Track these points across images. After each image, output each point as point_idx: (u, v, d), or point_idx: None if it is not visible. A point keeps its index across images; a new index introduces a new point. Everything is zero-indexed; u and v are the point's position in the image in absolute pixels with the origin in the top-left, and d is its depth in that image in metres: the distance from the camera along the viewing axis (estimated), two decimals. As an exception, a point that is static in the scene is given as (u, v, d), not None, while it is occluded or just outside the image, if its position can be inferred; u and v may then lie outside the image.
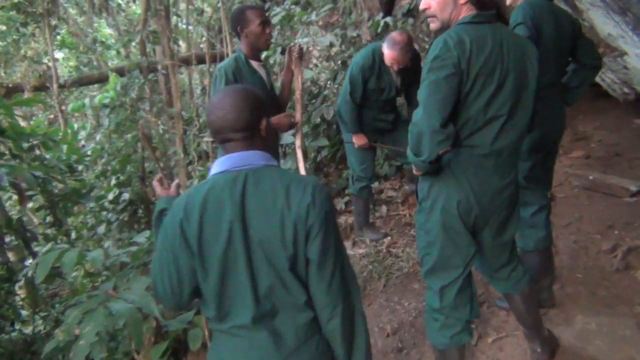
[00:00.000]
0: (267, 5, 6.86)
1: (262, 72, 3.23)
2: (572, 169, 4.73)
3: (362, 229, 4.21)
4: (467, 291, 2.26)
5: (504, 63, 2.00)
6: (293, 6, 5.28)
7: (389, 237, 4.18)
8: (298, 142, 3.27)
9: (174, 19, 9.96)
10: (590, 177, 4.44)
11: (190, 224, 1.43)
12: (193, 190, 1.48)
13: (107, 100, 6.38)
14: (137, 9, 12.52)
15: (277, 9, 5.33)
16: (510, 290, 2.43)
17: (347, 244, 4.18)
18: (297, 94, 3.27)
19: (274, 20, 5.48)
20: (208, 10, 9.57)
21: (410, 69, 3.90)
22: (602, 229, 3.67)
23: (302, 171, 3.23)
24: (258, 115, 1.50)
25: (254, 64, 3.18)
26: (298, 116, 3.27)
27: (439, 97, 1.96)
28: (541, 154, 2.83)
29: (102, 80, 9.92)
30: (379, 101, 4.02)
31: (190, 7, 8.81)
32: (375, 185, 4.87)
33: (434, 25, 2.14)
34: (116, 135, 6.53)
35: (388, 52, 3.72)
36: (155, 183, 1.96)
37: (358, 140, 4.07)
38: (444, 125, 1.97)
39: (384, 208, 4.69)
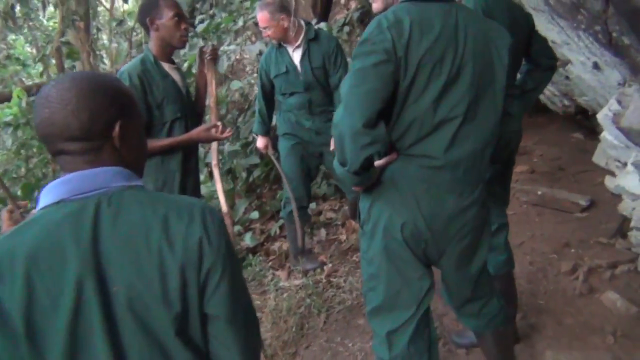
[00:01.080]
0: (197, 21, 6.36)
1: (175, 75, 2.73)
2: (519, 184, 4.49)
3: (298, 257, 3.73)
4: (423, 337, 1.81)
5: (458, 51, 1.61)
6: (220, 13, 4.81)
7: (328, 265, 3.72)
8: (214, 160, 2.78)
9: (94, 32, 9.25)
10: (539, 193, 4.21)
11: (8, 293, 0.89)
12: (6, 239, 0.94)
13: (8, 118, 5.62)
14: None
15: (201, 16, 4.85)
16: (481, 329, 2.01)
17: (282, 274, 3.69)
18: (211, 102, 2.80)
19: (198, 30, 4.99)
20: (132, 22, 8.90)
21: (322, 49, 3.42)
22: (558, 248, 3.39)
23: (220, 193, 2.75)
24: (108, 116, 1.00)
25: (166, 66, 2.68)
26: (214, 121, 2.79)
27: (363, 89, 1.55)
28: (498, 167, 2.47)
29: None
30: (294, 98, 3.51)
31: (109, 17, 8.18)
32: (313, 206, 4.42)
33: (376, 5, 1.74)
34: (20, 156, 5.75)
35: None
36: (3, 215, 1.39)
37: (258, 142, 3.78)
38: (370, 125, 1.55)
39: (322, 232, 4.24)
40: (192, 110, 2.86)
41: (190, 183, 2.78)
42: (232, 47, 4.39)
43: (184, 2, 6.47)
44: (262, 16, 3.26)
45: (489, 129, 1.73)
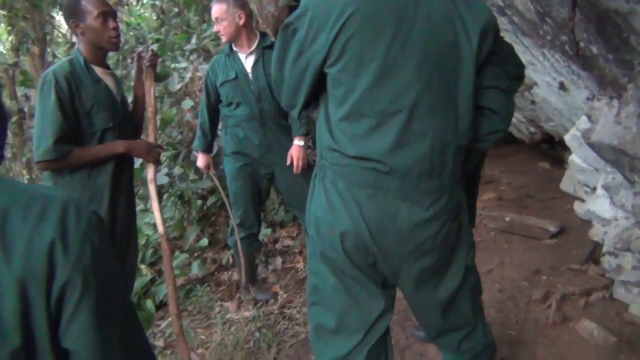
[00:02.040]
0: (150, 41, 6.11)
1: (109, 81, 2.47)
2: (486, 211, 4.30)
3: (248, 288, 3.41)
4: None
5: (403, 27, 1.33)
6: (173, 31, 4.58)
7: (282, 296, 3.40)
8: (150, 175, 2.49)
9: (50, 58, 8.93)
10: (507, 219, 4.02)
11: None
12: None
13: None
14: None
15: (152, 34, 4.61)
16: None
17: (231, 306, 3.36)
18: (149, 112, 2.53)
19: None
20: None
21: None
22: (528, 275, 3.16)
23: (157, 212, 2.44)
24: None
25: (98, 70, 2.42)
26: (151, 139, 2.52)
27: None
28: (462, 181, 2.25)
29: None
30: (242, 108, 3.15)
31: (65, 42, 7.88)
32: (269, 232, 4.12)
33: None
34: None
35: None
36: None
37: (198, 160, 3.42)
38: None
39: (278, 260, 3.93)
40: (128, 120, 2.59)
41: (121, 201, 2.47)
42: (183, 64, 4.14)
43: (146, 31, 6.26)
44: (218, 7, 2.99)
45: (451, 127, 1.44)
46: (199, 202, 4.62)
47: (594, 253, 3.19)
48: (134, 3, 7.85)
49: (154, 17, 7.22)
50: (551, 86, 3.68)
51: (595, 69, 2.56)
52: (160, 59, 4.42)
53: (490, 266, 3.34)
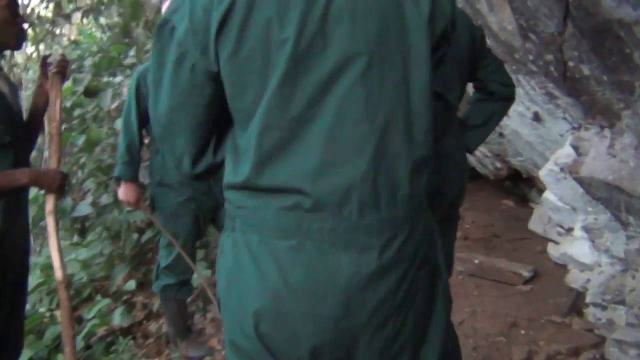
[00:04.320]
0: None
1: (4, 87, 1.98)
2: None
3: (177, 342, 2.87)
4: None
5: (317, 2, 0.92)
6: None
7: (220, 352, 2.87)
8: (49, 207, 1.99)
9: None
10: (476, 261, 3.66)
11: None
12: None
13: None
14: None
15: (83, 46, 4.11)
16: None
17: (158, 364, 2.81)
18: (52, 128, 2.04)
19: (87, 64, 4.24)
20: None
21: None
22: (505, 328, 2.77)
23: (54, 252, 1.95)
24: None
25: (-11, 72, 1.93)
26: (53, 163, 2.02)
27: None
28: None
29: None
30: None
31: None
32: (208, 274, 3.59)
33: None
34: None
35: None
36: None
37: (123, 191, 2.71)
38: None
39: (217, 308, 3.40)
40: (26, 136, 2.09)
41: (11, 233, 1.95)
42: (118, 79, 3.64)
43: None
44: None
45: (401, 132, 0.99)
46: (135, 235, 4.06)
47: (576, 303, 2.83)
48: (83, 21, 7.32)
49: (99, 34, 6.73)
50: (524, 117, 3.39)
51: (584, 94, 2.24)
52: (92, 74, 3.92)
53: (460, 316, 2.93)
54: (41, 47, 6.28)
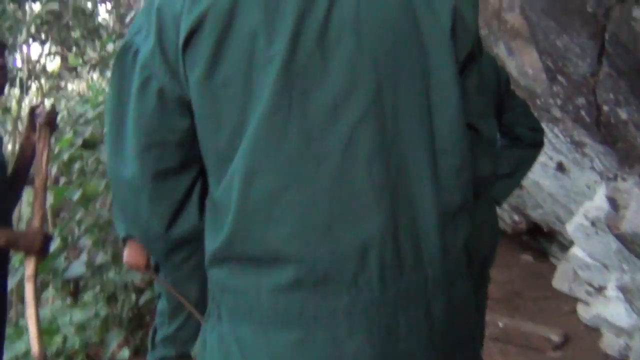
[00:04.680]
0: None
1: (-17, 137, 1.81)
2: (474, 313, 3.64)
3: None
4: None
5: (314, 14, 0.72)
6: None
7: None
8: (29, 271, 1.77)
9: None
10: (500, 324, 3.37)
11: None
12: None
13: None
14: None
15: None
16: None
17: None
18: (38, 183, 1.85)
19: (90, 115, 4.12)
20: None
21: None
22: (538, 405, 2.46)
23: (32, 326, 1.72)
24: None
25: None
26: (36, 221, 1.82)
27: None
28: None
29: None
30: None
31: None
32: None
33: None
34: None
35: None
36: None
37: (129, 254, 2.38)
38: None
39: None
40: (10, 191, 1.90)
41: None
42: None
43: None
44: None
45: (426, 176, 0.77)
46: (133, 296, 3.80)
47: (618, 374, 2.52)
48: (93, 76, 7.33)
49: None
50: (546, 167, 3.19)
51: (620, 141, 2.04)
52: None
53: (487, 389, 2.62)
54: (47, 101, 6.25)
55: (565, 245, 4.27)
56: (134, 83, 0.76)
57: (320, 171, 0.73)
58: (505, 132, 1.81)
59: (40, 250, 1.77)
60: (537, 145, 1.81)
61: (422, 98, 0.77)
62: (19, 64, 5.13)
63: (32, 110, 1.97)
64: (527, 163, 1.84)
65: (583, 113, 2.10)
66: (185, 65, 0.72)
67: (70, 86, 6.84)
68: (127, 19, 4.07)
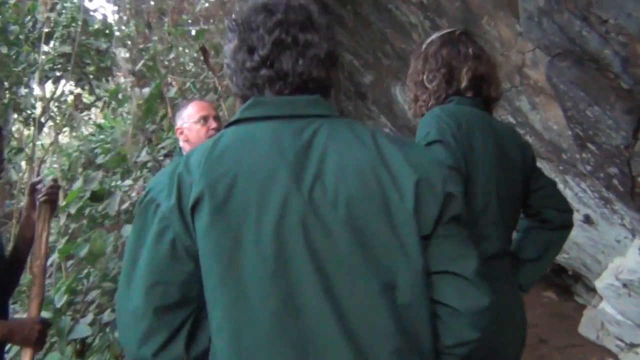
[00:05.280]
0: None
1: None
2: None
3: None
4: None
5: (289, 199, 0.87)
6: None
7: None
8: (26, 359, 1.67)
9: None
10: (525, 382, 3.16)
11: None
12: None
13: None
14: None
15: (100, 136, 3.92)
16: None
17: None
18: (35, 267, 1.75)
19: (98, 160, 4.05)
20: None
21: None
22: None
23: None
24: None
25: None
26: (33, 309, 1.72)
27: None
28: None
29: None
30: None
31: None
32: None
33: None
34: None
35: None
36: None
37: None
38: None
39: None
40: (7, 276, 1.80)
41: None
42: (127, 182, 3.40)
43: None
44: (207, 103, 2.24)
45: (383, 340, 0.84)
46: None
47: None
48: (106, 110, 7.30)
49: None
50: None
51: (657, 212, 1.89)
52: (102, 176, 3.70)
53: None
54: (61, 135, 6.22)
55: (590, 287, 4.09)
56: (152, 230, 0.90)
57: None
58: (532, 213, 1.67)
59: (38, 341, 1.66)
60: (566, 227, 1.67)
61: (381, 274, 0.85)
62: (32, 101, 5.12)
63: (33, 187, 1.88)
64: (556, 246, 1.69)
65: (616, 182, 1.95)
66: (194, 222, 0.87)
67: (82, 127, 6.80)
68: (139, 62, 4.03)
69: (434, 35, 1.60)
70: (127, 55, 5.08)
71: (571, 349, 3.85)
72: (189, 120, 2.11)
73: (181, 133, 2.12)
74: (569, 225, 1.67)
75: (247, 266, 0.84)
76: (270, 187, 0.85)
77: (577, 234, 3.24)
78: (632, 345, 3.04)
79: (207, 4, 4.06)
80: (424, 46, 1.62)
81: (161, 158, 3.67)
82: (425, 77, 1.57)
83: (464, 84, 1.54)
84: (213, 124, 2.10)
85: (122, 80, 5.21)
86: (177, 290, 0.88)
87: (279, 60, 0.93)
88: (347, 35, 4.23)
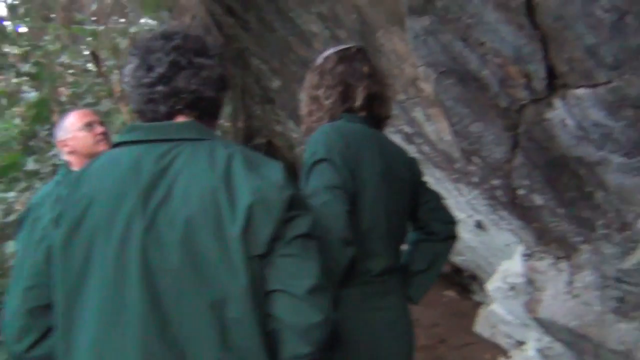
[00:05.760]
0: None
1: None
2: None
3: None
4: None
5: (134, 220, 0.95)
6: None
7: None
8: None
9: None
10: (424, 382, 3.28)
11: None
12: None
13: None
14: None
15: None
16: None
17: None
18: None
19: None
20: None
21: None
22: None
23: None
24: None
25: None
26: None
27: None
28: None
29: None
30: None
31: None
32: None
33: None
34: None
35: None
36: None
37: None
38: None
39: None
40: None
41: None
42: (12, 194, 3.11)
43: None
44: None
45: None
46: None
47: None
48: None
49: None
50: (466, 223, 3.17)
51: (536, 221, 2.01)
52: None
53: None
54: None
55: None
56: (33, 238, 1.03)
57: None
58: (420, 226, 1.71)
59: None
60: (450, 238, 1.73)
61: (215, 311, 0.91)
62: None
63: None
64: (442, 257, 1.74)
65: (499, 193, 2.05)
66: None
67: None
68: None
69: (330, 51, 1.59)
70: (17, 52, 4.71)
71: (467, 347, 4.02)
72: (73, 129, 1.98)
73: (65, 146, 1.98)
74: (453, 237, 1.72)
75: (91, 289, 0.92)
76: (118, 210, 0.92)
77: (471, 238, 3.40)
78: (519, 343, 3.23)
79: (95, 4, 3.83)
80: (319, 60, 1.60)
81: (50, 168, 3.42)
82: (322, 93, 1.56)
83: (358, 102, 1.54)
84: (99, 129, 1.98)
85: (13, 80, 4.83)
86: (50, 293, 0.96)
87: (175, 79, 1.01)
88: (253, 40, 4.18)
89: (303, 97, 1.63)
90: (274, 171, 0.99)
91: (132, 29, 4.25)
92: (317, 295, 0.95)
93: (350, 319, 1.40)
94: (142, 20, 5.01)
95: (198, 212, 0.92)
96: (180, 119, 1.04)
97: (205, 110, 1.06)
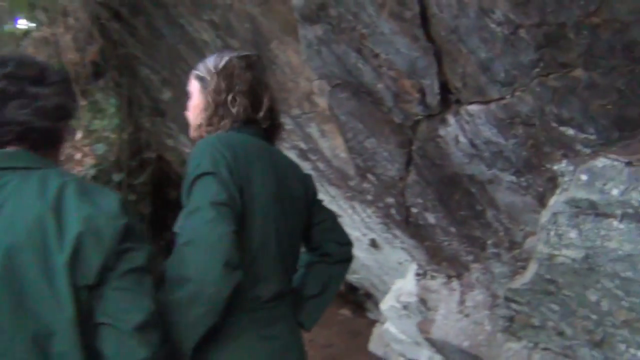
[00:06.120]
0: None
1: None
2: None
3: None
4: None
5: None
6: None
7: None
8: None
9: None
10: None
11: None
12: None
13: None
14: None
15: None
16: None
17: None
18: None
19: None
20: None
21: None
22: None
23: None
24: None
25: None
26: None
27: None
28: None
29: None
30: None
31: None
32: None
33: None
34: None
35: None
36: None
37: None
38: None
39: None
40: None
41: None
42: None
43: None
44: None
45: None
46: None
47: None
48: None
49: None
50: (360, 242, 3.14)
51: (428, 240, 1.99)
52: None
53: None
54: None
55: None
56: None
57: None
58: (314, 247, 1.60)
59: None
60: (346, 261, 1.64)
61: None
62: None
63: None
64: (337, 280, 1.64)
65: (393, 211, 2.01)
66: None
67: None
68: None
69: (232, 54, 1.43)
70: None
71: (364, 367, 3.99)
72: None
73: None
74: (348, 259, 1.64)
75: None
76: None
77: (365, 256, 3.38)
78: (412, 361, 3.23)
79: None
80: (220, 63, 1.43)
81: None
82: (230, 98, 1.40)
83: (262, 113, 1.42)
84: None
85: None
86: None
87: (2, 110, 0.97)
88: (142, 48, 3.92)
89: (198, 102, 1.46)
90: (108, 200, 0.96)
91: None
92: (145, 331, 0.93)
93: (234, 350, 1.26)
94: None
95: (23, 241, 0.88)
96: (11, 148, 0.99)
97: (37, 141, 1.02)
